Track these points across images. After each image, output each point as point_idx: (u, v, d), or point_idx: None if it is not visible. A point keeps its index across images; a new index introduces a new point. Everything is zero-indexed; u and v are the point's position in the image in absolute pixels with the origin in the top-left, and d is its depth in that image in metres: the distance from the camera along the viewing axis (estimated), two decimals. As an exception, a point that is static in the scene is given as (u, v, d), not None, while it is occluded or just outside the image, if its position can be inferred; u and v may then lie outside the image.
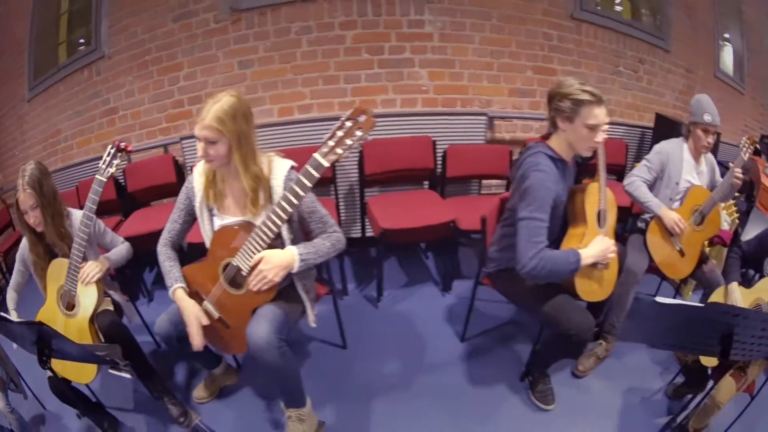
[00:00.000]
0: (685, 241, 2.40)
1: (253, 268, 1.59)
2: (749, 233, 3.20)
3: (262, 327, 1.60)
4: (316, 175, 1.48)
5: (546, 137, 1.88)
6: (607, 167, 2.02)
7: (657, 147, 2.48)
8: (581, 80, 1.72)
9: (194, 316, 1.69)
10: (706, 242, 2.68)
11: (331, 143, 1.46)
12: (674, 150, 2.44)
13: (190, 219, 1.80)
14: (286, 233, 1.64)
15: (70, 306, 1.90)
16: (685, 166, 2.43)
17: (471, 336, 2.53)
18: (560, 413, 2.15)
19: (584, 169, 2.11)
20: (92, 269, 1.87)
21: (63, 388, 1.84)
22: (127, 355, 1.71)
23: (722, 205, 3.66)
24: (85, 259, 1.88)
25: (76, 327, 1.88)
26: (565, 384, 2.30)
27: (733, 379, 1.78)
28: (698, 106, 2.32)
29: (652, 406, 2.22)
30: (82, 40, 3.20)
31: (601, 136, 1.74)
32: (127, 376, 1.69)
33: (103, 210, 2.86)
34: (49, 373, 1.73)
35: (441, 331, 2.58)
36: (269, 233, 1.56)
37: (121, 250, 2.06)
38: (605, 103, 1.70)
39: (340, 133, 1.44)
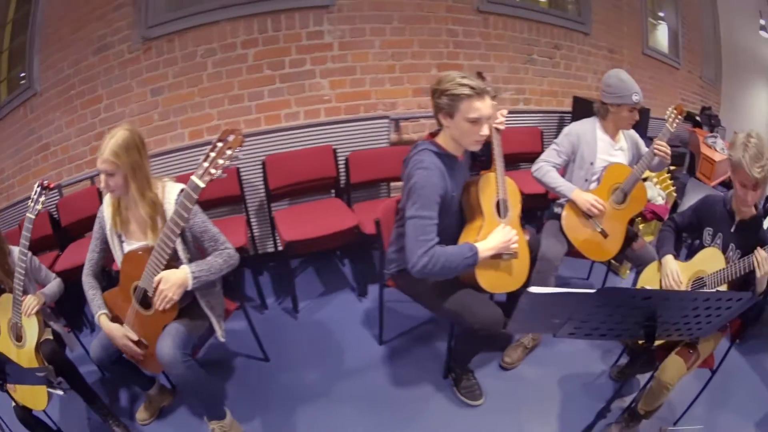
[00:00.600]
0: (607, 221, 2.29)
1: (156, 288, 1.65)
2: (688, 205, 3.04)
3: (166, 344, 1.67)
4: (195, 196, 1.56)
5: (434, 134, 1.85)
6: (521, 156, 1.99)
7: (566, 129, 2.37)
8: (463, 73, 1.67)
9: (120, 334, 1.78)
10: (637, 219, 2.65)
11: (205, 165, 1.53)
12: (586, 130, 2.33)
13: (106, 246, 1.84)
14: (182, 253, 1.71)
15: (18, 337, 1.97)
16: (600, 145, 2.32)
17: (389, 338, 2.49)
18: (491, 407, 2.12)
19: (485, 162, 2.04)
20: (30, 303, 1.94)
21: (25, 416, 1.92)
22: (68, 379, 1.94)
23: (654, 180, 3.53)
24: (26, 292, 1.96)
25: (26, 357, 1.95)
26: (495, 377, 2.27)
27: (681, 357, 1.72)
28: (623, 86, 2.20)
29: (595, 391, 2.18)
30: (23, 75, 3.22)
31: (485, 129, 1.70)
32: (60, 392, 1.76)
33: (41, 245, 2.90)
34: (13, 404, 1.85)
35: (359, 335, 2.56)
36: (164, 254, 1.62)
37: (53, 286, 2.11)
38: (488, 93, 1.66)
39: (212, 155, 1.53)
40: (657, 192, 3.55)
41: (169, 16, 2.74)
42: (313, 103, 2.96)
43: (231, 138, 1.52)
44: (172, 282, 1.63)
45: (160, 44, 2.78)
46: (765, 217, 2.08)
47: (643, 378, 2.02)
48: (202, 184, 1.54)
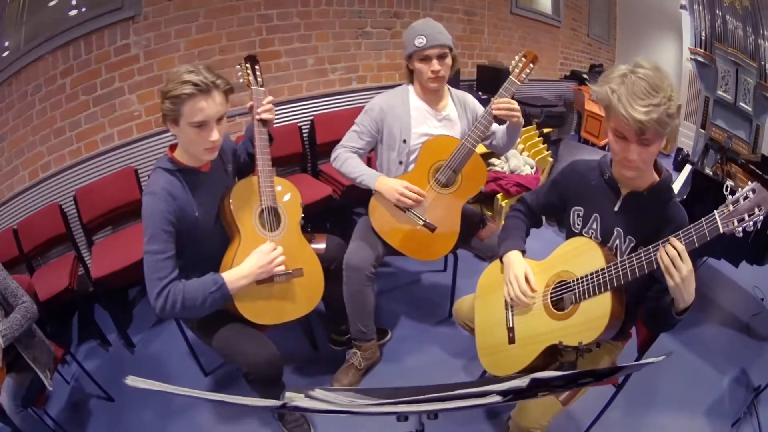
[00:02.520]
0: (431, 211, 1.75)
1: None
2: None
3: (2, 397, 1.49)
4: None
5: (174, 146, 1.46)
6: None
7: (368, 104, 1.85)
8: (191, 67, 1.27)
9: None
10: (498, 196, 2.16)
11: None
12: (393, 102, 1.80)
13: None
14: None
15: None
16: (416, 115, 1.79)
17: (213, 369, 2.15)
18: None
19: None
20: None
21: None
22: None
23: (519, 147, 3.04)
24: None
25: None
26: None
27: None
28: (409, 34, 1.71)
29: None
30: None
31: (215, 134, 1.31)
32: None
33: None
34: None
35: (186, 367, 2.21)
36: None
37: (14, 317, 1.63)
38: (218, 88, 1.28)
39: None
40: (523, 160, 3.04)
41: (7, 60, 2.53)
42: (125, 121, 2.63)
43: None
44: None
45: (2, 90, 2.58)
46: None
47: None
48: None
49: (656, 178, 1.19)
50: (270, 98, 1.55)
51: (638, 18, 4.16)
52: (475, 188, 1.80)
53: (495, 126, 1.84)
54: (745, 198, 0.94)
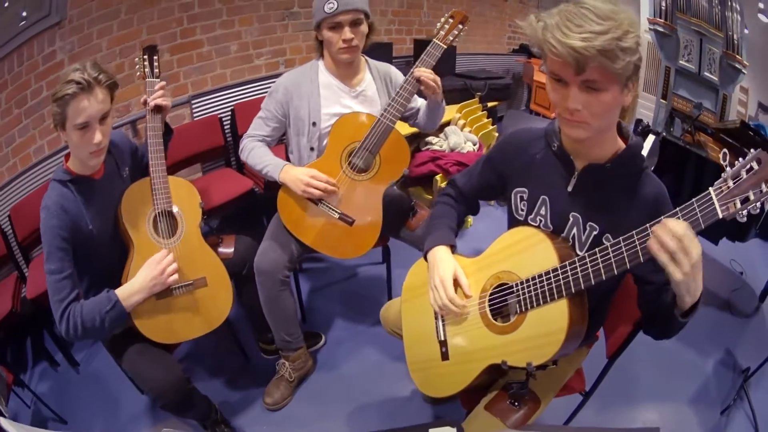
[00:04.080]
0: (347, 201, 1.50)
1: None
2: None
3: None
4: None
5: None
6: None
7: (273, 86, 1.58)
8: (78, 65, 1.12)
9: None
10: (437, 178, 1.85)
11: None
12: (299, 80, 1.54)
13: None
14: None
15: None
16: (326, 94, 1.54)
17: None
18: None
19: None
20: None
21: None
22: None
23: (460, 121, 2.73)
24: None
25: None
26: (261, 423, 1.66)
27: (491, 413, 0.99)
28: (318, 1, 1.43)
29: (405, 418, 1.61)
30: None
31: (98, 135, 1.15)
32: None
33: None
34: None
35: (127, 382, 1.88)
36: None
37: None
38: (100, 83, 1.12)
39: None
40: (464, 136, 2.70)
41: None
42: (53, 131, 2.41)
43: None
44: None
45: None
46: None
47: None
48: None
49: (621, 145, 0.90)
50: (162, 83, 1.39)
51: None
52: (397, 171, 1.53)
53: (420, 102, 1.62)
54: (749, 170, 0.67)
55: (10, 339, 2.31)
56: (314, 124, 1.53)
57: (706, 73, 3.18)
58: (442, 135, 2.72)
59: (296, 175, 1.45)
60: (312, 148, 1.56)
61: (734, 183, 0.67)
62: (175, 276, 1.28)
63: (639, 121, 3.65)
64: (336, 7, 1.39)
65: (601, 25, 0.72)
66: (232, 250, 1.58)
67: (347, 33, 1.42)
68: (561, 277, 0.85)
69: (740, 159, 0.68)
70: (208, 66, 2.68)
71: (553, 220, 0.97)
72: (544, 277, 0.87)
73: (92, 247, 1.27)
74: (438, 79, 1.42)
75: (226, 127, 2.72)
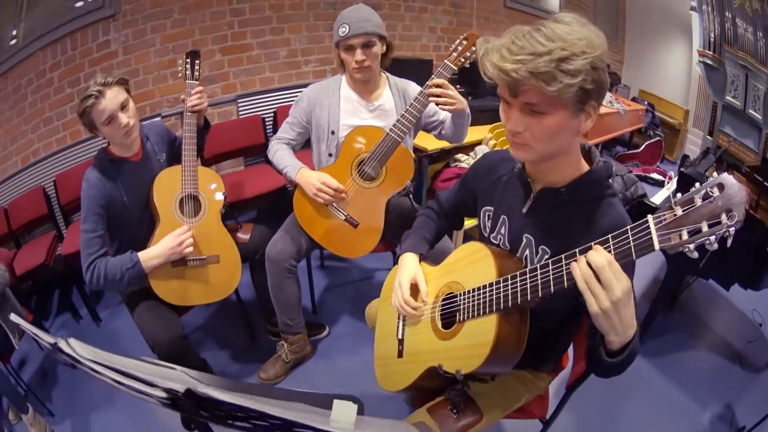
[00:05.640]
0: (354, 205, 1.64)
1: None
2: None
3: None
4: None
5: None
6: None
7: (300, 95, 1.76)
8: (90, 83, 1.37)
9: None
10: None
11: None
12: (321, 92, 1.71)
13: None
14: None
15: None
16: (345, 106, 1.69)
17: None
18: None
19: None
20: None
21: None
22: None
23: (491, 142, 2.75)
24: None
25: None
26: None
27: (431, 416, 1.03)
28: (337, 21, 1.58)
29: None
30: None
31: (124, 119, 1.40)
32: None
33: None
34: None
35: (141, 343, 2.15)
36: None
37: None
38: (108, 86, 1.36)
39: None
40: (480, 151, 2.73)
41: (6, 55, 2.70)
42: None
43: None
44: None
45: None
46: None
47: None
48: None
49: (583, 169, 0.88)
50: (199, 87, 1.59)
51: (648, 17, 3.82)
52: (400, 182, 1.66)
53: (444, 114, 1.72)
54: (706, 197, 0.59)
55: (38, 288, 2.67)
56: (333, 132, 1.68)
57: (750, 111, 3.06)
58: (471, 153, 2.79)
59: (309, 179, 1.61)
60: (330, 154, 1.71)
61: (684, 211, 0.60)
62: (191, 249, 1.49)
63: (686, 157, 3.54)
64: (348, 32, 1.52)
65: (544, 46, 0.70)
66: (248, 236, 1.77)
67: (358, 55, 1.55)
68: (492, 292, 0.87)
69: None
70: (256, 68, 2.88)
71: (510, 240, 0.99)
72: (480, 291, 0.90)
73: (124, 217, 1.52)
74: (449, 92, 1.46)
75: (268, 127, 2.93)
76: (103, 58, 2.58)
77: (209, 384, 0.72)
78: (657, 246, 0.63)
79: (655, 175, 3.41)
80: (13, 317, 0.74)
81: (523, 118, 0.79)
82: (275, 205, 2.59)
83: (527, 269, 0.81)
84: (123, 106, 1.41)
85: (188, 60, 1.61)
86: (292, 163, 1.68)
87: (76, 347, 0.62)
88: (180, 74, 1.61)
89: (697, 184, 0.61)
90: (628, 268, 0.70)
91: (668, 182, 2.45)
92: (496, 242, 1.03)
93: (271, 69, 2.89)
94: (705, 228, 0.58)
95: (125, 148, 1.51)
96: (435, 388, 1.09)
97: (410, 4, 3.03)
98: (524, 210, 0.95)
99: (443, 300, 1.03)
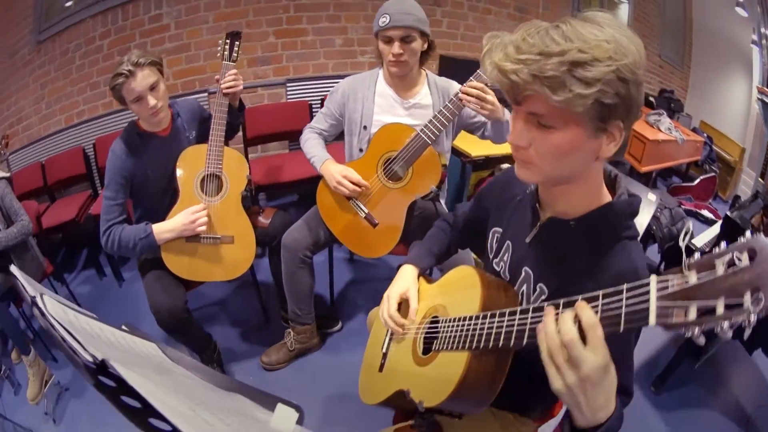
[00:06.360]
0: (376, 204, 1.60)
1: None
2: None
3: None
4: None
5: None
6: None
7: (335, 86, 1.73)
8: (125, 57, 1.42)
9: None
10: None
11: None
12: (356, 85, 1.66)
13: None
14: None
15: None
16: (380, 101, 1.63)
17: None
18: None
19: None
20: None
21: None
22: None
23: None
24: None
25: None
26: (250, 373, 1.89)
27: None
28: (379, 11, 1.53)
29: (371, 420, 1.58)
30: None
31: (152, 99, 1.45)
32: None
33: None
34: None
35: None
36: None
37: (10, 229, 1.99)
38: (140, 67, 1.40)
39: None
40: None
41: (52, 21, 2.89)
42: None
43: None
44: None
45: (46, 45, 2.89)
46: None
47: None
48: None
49: (603, 201, 0.74)
50: (234, 70, 1.60)
51: (714, 47, 3.56)
52: (425, 186, 1.58)
53: None
54: (731, 265, 0.44)
55: (68, 243, 2.83)
56: (365, 127, 1.64)
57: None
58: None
59: (332, 171, 1.59)
60: (361, 149, 1.66)
61: (699, 278, 0.45)
62: (203, 227, 1.52)
63: (737, 198, 3.32)
64: (388, 22, 1.47)
65: (558, 45, 0.58)
66: (268, 221, 1.78)
67: (396, 48, 1.49)
68: (470, 328, 0.77)
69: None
70: (311, 54, 2.88)
71: (510, 270, 0.88)
72: (458, 323, 0.82)
73: (148, 189, 1.58)
74: (488, 96, 1.38)
75: (314, 114, 2.92)
76: (154, 30, 2.67)
77: (177, 362, 0.76)
78: (653, 321, 0.48)
79: (705, 213, 3.22)
80: (12, 268, 0.74)
81: (528, 130, 0.66)
82: (313, 192, 2.66)
83: (507, 311, 0.70)
84: (152, 88, 1.45)
85: (228, 41, 1.62)
86: (319, 153, 1.67)
87: (48, 304, 0.61)
88: (218, 54, 1.61)
89: (725, 242, 0.46)
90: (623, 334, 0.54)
91: (715, 223, 2.30)
92: (498, 269, 0.92)
93: (325, 56, 2.89)
94: (720, 309, 0.43)
95: (153, 124, 1.56)
96: (411, 408, 0.99)
97: (474, 3, 2.95)
98: (527, 239, 0.83)
99: (428, 323, 0.96)
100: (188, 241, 1.55)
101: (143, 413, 0.47)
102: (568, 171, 0.69)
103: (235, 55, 1.61)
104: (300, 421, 0.68)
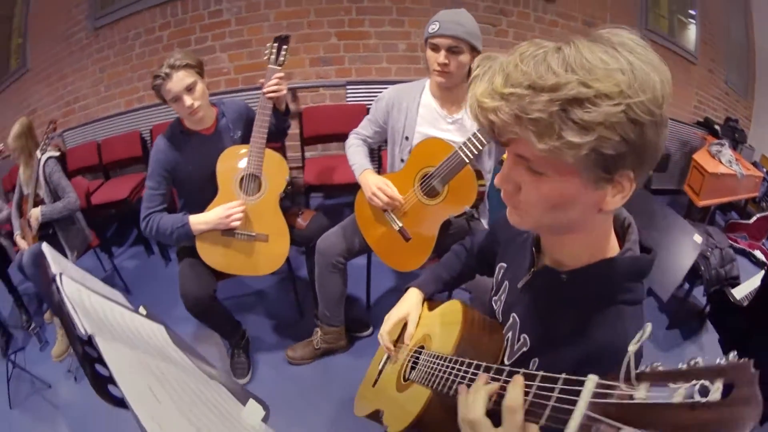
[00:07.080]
0: (411, 219, 1.59)
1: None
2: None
3: (25, 255, 1.95)
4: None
5: None
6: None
7: (382, 93, 1.71)
8: (167, 59, 1.52)
9: None
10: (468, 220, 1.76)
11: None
12: (401, 95, 1.63)
13: None
14: (46, 198, 2.12)
15: None
16: (424, 113, 1.59)
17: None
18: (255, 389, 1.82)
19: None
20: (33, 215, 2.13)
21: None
22: None
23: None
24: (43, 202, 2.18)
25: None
26: (272, 366, 1.95)
27: None
28: (431, 20, 1.49)
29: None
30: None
31: (189, 100, 1.54)
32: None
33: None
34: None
35: None
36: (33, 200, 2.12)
37: (57, 203, 2.15)
38: (175, 69, 1.50)
39: None
40: None
41: (109, 9, 3.03)
42: (214, 75, 2.91)
43: None
44: (34, 216, 2.06)
45: (104, 32, 3.05)
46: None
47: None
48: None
49: (607, 254, 0.64)
50: (280, 74, 1.63)
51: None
52: (459, 206, 1.53)
53: None
54: (687, 397, 0.34)
55: (120, 219, 3.03)
56: (407, 138, 1.62)
57: None
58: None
59: (369, 182, 1.59)
60: (402, 160, 1.64)
61: (647, 396, 0.36)
62: (237, 223, 1.60)
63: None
64: (437, 30, 1.43)
65: (555, 77, 0.46)
66: (306, 223, 1.83)
67: (442, 57, 1.44)
68: (437, 368, 0.75)
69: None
70: (374, 57, 2.88)
71: (503, 312, 0.82)
72: (431, 359, 0.80)
73: (190, 182, 1.69)
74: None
75: None
76: (214, 25, 2.78)
77: (179, 346, 0.82)
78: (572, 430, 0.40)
79: (758, 254, 3.09)
80: (44, 246, 0.81)
81: (517, 173, 0.56)
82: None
83: (474, 363, 0.64)
84: (189, 89, 1.54)
85: (276, 44, 1.63)
86: (359, 162, 1.67)
87: (65, 283, 0.69)
88: (265, 57, 1.63)
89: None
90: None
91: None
92: (496, 307, 0.86)
93: (388, 60, 2.89)
94: None
95: (195, 122, 1.65)
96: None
97: (540, 15, 2.88)
98: (520, 284, 0.75)
99: (415, 351, 0.98)
100: (223, 234, 1.64)
101: (106, 381, 0.56)
102: (564, 222, 0.59)
103: (282, 58, 1.63)
104: (265, 419, 0.71)
